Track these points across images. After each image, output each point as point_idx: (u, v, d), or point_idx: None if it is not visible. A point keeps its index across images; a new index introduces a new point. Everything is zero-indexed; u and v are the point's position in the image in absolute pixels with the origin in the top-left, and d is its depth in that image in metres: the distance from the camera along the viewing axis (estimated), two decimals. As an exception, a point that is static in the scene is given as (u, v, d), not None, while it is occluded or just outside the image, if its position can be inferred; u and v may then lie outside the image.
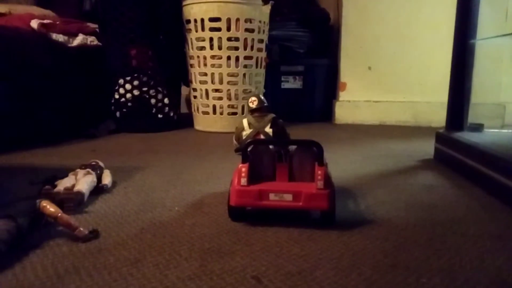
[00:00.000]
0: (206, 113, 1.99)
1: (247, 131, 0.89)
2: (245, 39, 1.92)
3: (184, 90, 2.40)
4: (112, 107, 2.00)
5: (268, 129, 0.88)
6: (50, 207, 0.75)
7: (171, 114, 2.05)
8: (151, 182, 1.11)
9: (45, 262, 0.66)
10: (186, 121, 2.13)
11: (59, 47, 1.86)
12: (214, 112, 1.97)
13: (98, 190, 1.00)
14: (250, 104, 0.90)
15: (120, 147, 1.66)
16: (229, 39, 1.90)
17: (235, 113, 1.96)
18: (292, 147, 0.85)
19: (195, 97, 2.04)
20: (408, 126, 2.20)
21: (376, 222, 0.83)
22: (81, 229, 0.74)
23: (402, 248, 0.71)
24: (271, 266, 0.64)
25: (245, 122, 0.90)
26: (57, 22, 1.92)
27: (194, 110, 2.08)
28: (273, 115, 0.90)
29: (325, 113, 2.37)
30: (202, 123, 2.03)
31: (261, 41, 2.00)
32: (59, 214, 0.74)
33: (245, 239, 0.74)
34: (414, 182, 1.14)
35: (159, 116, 2.00)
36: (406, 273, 0.62)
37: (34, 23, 1.81)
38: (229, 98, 1.95)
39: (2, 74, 1.53)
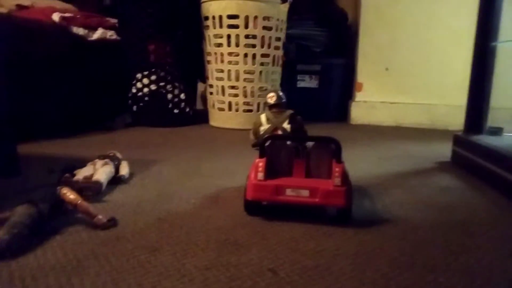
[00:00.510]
0: (222, 109, 2.00)
1: (264, 127, 0.89)
2: (263, 37, 1.93)
3: (200, 86, 2.42)
4: (129, 101, 2.02)
5: (286, 125, 0.88)
6: (70, 195, 0.76)
7: (187, 110, 2.06)
8: (168, 174, 1.12)
9: (65, 247, 0.67)
10: (201, 117, 2.14)
11: (79, 40, 1.88)
12: (230, 108, 1.97)
13: (116, 180, 1.01)
14: (269, 100, 0.90)
15: (137, 140, 1.67)
16: (246, 36, 1.90)
17: (250, 110, 1.97)
18: (310, 144, 0.85)
19: (211, 93, 2.05)
20: (425, 129, 2.17)
21: (392, 221, 0.82)
22: (100, 217, 0.75)
23: (419, 248, 0.70)
24: (287, 260, 0.64)
25: (263, 117, 0.90)
26: (78, 16, 1.95)
27: (210, 106, 2.09)
28: (291, 111, 0.90)
29: (341, 113, 2.36)
30: (218, 119, 2.04)
31: (278, 39, 2.00)
32: (79, 202, 0.75)
33: (261, 233, 0.74)
34: (431, 184, 1.12)
35: (175, 111, 2.01)
36: (424, 272, 0.62)
37: (56, 16, 1.84)
38: (245, 95, 1.95)
39: (24, 64, 1.56)
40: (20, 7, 2.00)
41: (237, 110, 1.96)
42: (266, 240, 0.71)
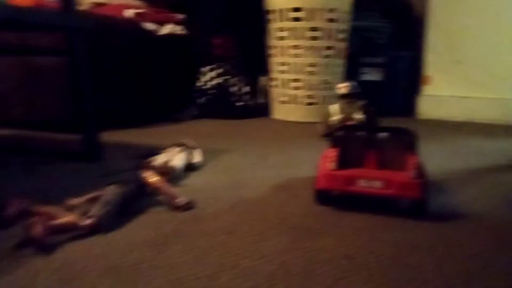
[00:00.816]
0: (285, 102, 2.01)
1: (335, 117, 0.89)
2: (326, 29, 1.91)
3: (261, 80, 2.45)
4: (195, 94, 2.10)
5: (358, 115, 0.87)
6: (152, 178, 0.81)
7: (250, 103, 2.10)
8: (237, 163, 1.15)
9: (150, 226, 0.72)
10: (264, 110, 2.17)
11: (149, 35, 1.98)
12: (293, 101, 1.98)
13: (190, 167, 1.06)
14: (341, 90, 0.90)
15: (204, 131, 1.74)
16: (310, 29, 1.90)
17: (314, 103, 1.96)
18: (383, 134, 0.84)
19: (274, 86, 2.07)
20: (498, 125, 2.04)
21: (469, 217, 0.79)
22: (180, 199, 0.79)
23: (501, 244, 0.67)
24: (363, 249, 0.64)
25: (333, 108, 0.91)
26: (148, 12, 2.05)
27: (273, 99, 2.11)
28: (364, 101, 0.89)
29: (407, 107, 2.28)
30: (280, 112, 2.06)
31: (342, 31, 1.98)
32: (161, 184, 0.80)
33: (333, 222, 0.75)
34: (508, 182, 1.06)
35: (239, 104, 2.06)
36: (510, 269, 0.59)
37: (129, 12, 1.95)
38: (308, 88, 1.95)
39: (98, 58, 1.67)
40: (96, 4, 2.14)
41: (300, 103, 1.97)
42: (340, 229, 0.72)
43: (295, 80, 1.96)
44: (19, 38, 1.50)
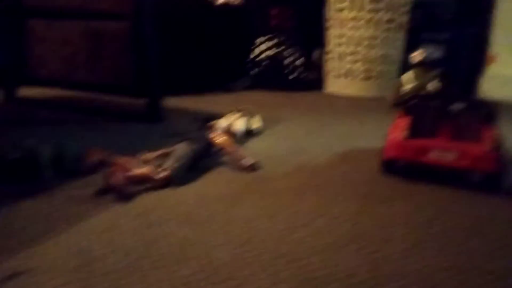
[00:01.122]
0: (340, 76, 1.97)
1: (408, 85, 0.86)
2: (388, 2, 1.83)
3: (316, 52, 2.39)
4: (249, 65, 2.09)
5: (433, 85, 0.84)
6: (219, 138, 0.83)
7: (303, 75, 2.07)
8: (295, 132, 1.15)
9: (220, 183, 0.74)
10: (317, 84, 2.13)
11: (207, 5, 1.99)
12: (349, 75, 1.93)
13: (250, 132, 1.07)
14: (415, 57, 0.86)
15: (257, 101, 1.73)
16: (371, 1, 1.82)
17: (370, 77, 1.90)
18: (458, 105, 0.80)
19: (329, 59, 2.03)
20: None
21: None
22: (245, 160, 0.81)
23: None
24: (437, 218, 0.63)
25: (407, 76, 0.88)
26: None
27: (327, 72, 2.07)
28: (439, 70, 0.85)
29: (469, 86, 2.17)
30: (334, 86, 2.01)
31: (404, 4, 1.89)
32: (227, 145, 0.82)
33: (402, 190, 0.73)
34: None
35: (291, 76, 2.03)
36: None
37: (188, -19, 1.96)
38: (366, 62, 1.89)
39: (160, 25, 1.69)
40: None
41: (356, 77, 1.92)
42: (410, 197, 0.70)
43: (353, 54, 1.90)
44: (83, 1, 1.55)
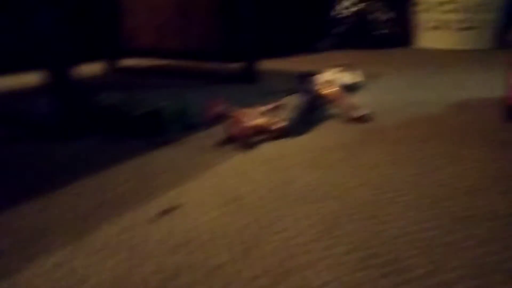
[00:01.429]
0: (434, 28, 1.83)
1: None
2: None
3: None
4: (331, 24, 2.03)
5: None
6: (329, 89, 0.82)
7: (390, 31, 1.96)
8: (397, 85, 1.11)
9: (336, 133, 0.73)
10: (407, 39, 2.01)
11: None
12: (443, 27, 1.79)
13: (352, 86, 1.04)
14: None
15: (348, 59, 1.68)
16: None
17: (470, 28, 1.75)
18: None
19: (420, 11, 1.89)
20: None
21: None
22: (357, 111, 0.79)
23: None
24: None
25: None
26: None
27: (418, 26, 1.94)
28: None
29: None
30: (427, 39, 1.89)
31: None
32: (337, 95, 0.81)
33: (536, 137, 0.68)
34: None
35: (377, 32, 1.94)
36: None
37: None
38: (464, 11, 1.74)
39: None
40: None
41: (453, 28, 1.77)
42: (548, 143, 0.64)
43: (447, 3, 1.76)
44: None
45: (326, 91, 0.81)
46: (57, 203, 0.52)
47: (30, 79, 1.51)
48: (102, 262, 0.39)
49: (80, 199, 0.53)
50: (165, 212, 0.49)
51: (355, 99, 0.95)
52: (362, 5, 1.93)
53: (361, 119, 0.78)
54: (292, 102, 0.77)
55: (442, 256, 0.38)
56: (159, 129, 0.76)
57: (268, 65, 1.55)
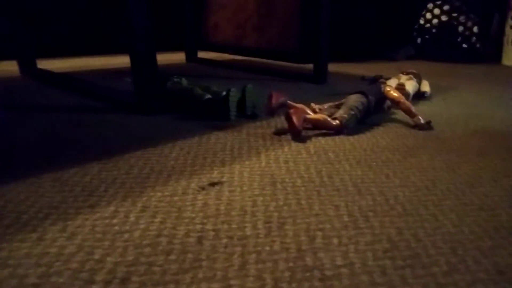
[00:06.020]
0: (525, 46, 1.71)
1: None
2: None
3: (495, 18, 2.12)
4: (415, 33, 1.97)
5: None
6: (393, 92, 0.82)
7: (478, 45, 1.86)
8: (467, 99, 1.06)
9: (393, 136, 0.74)
10: (492, 55, 1.89)
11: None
12: (537, 45, 1.66)
13: (419, 95, 1.03)
14: None
15: (422, 69, 1.64)
16: None
17: None
18: None
19: (511, 27, 1.77)
20: None
21: None
22: (420, 117, 0.78)
23: None
24: None
25: None
26: None
27: (507, 42, 1.82)
28: None
29: None
30: (515, 58, 1.77)
31: None
32: (402, 100, 0.80)
33: None
34: None
35: (464, 45, 1.85)
36: None
37: None
38: None
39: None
40: None
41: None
42: None
43: (546, 19, 1.62)
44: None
45: (390, 95, 0.82)
46: (123, 166, 0.59)
47: (121, 61, 1.68)
48: (137, 222, 0.45)
49: (145, 164, 0.60)
50: (211, 185, 0.54)
51: (419, 107, 0.94)
52: (450, 16, 1.85)
53: (420, 127, 0.77)
54: (352, 101, 0.78)
55: (471, 258, 0.39)
56: (222, 114, 0.82)
57: (340, 68, 1.56)
